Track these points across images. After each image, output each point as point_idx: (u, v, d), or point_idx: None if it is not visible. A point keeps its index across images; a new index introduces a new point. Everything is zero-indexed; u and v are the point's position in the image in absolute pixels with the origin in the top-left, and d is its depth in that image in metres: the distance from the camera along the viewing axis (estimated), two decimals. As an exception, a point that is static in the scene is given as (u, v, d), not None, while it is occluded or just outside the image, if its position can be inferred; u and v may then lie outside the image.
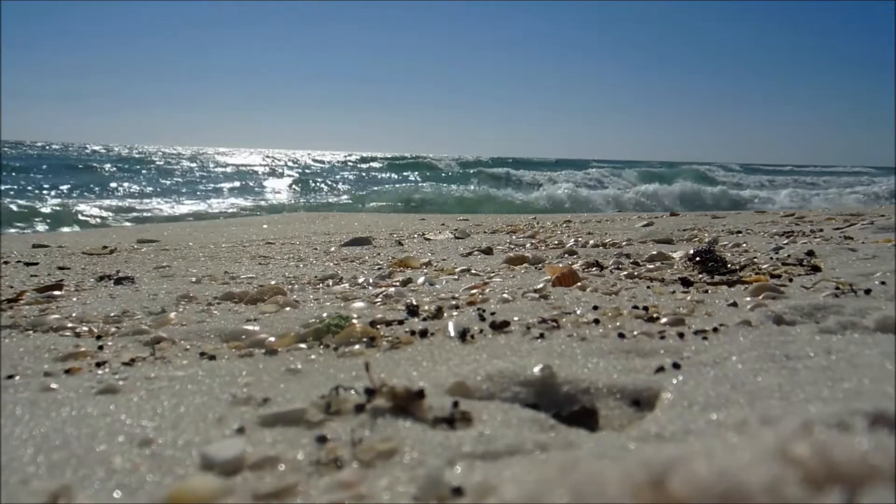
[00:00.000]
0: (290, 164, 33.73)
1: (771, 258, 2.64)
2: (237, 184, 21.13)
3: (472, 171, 27.75)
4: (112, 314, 1.96)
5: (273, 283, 2.50)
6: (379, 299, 2.06)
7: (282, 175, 25.02)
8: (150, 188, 18.45)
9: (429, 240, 4.22)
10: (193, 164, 29.55)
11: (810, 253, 2.67)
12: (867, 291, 1.84)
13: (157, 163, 29.84)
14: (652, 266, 2.57)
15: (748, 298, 1.85)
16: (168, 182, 20.75)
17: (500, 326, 1.61)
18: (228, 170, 27.40)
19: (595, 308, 1.78)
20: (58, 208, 11.81)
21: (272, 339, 1.59)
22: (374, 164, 32.88)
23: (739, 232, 3.93)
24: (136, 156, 34.62)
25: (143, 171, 24.25)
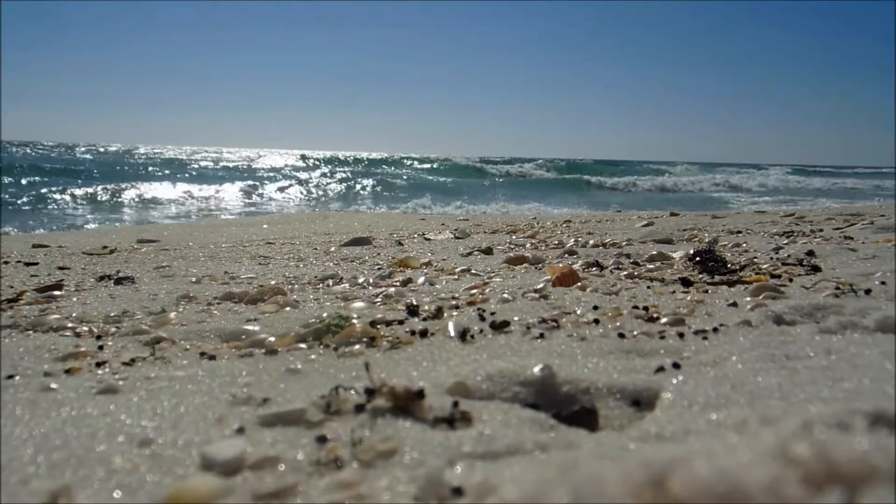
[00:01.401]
0: (322, 161, 32.97)
1: (771, 258, 2.64)
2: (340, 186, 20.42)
3: (571, 178, 24.36)
4: (112, 314, 1.96)
5: (273, 283, 2.50)
6: (379, 299, 2.06)
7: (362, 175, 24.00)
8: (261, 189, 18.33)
9: (429, 240, 4.22)
10: (249, 164, 29.28)
11: (810, 253, 2.67)
12: (867, 291, 1.84)
13: (204, 163, 29.54)
14: (652, 266, 2.57)
15: (748, 298, 1.85)
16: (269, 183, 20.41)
17: (500, 326, 1.61)
18: (305, 173, 26.49)
19: (595, 308, 1.78)
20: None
21: (272, 339, 1.60)
22: (419, 166, 31.69)
23: (739, 232, 3.93)
24: (174, 156, 34.37)
25: (213, 173, 23.92)
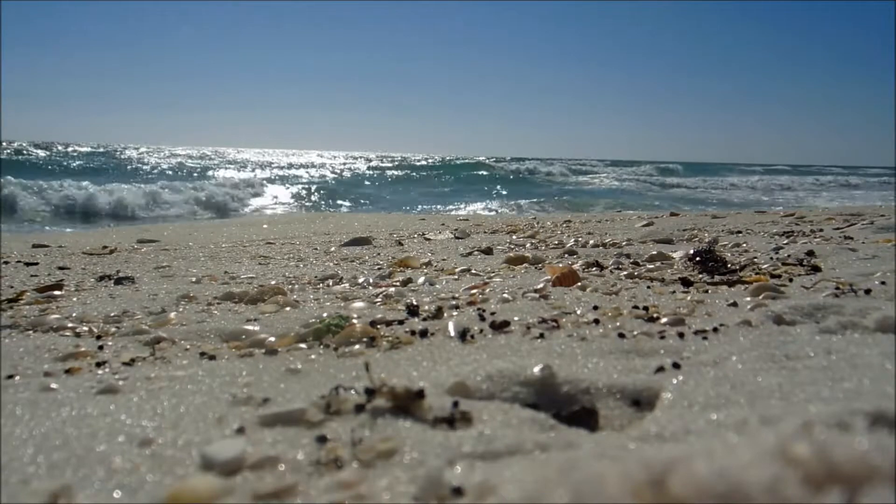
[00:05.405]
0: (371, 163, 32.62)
1: (771, 258, 2.64)
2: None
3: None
4: (112, 314, 1.96)
5: (273, 283, 2.50)
6: (379, 299, 2.06)
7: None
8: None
9: (429, 240, 4.22)
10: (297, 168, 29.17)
11: (810, 253, 2.67)
12: (867, 291, 1.84)
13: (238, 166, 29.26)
14: (652, 266, 2.57)
15: (748, 298, 1.85)
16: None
17: (500, 326, 1.61)
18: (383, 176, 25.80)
19: (595, 308, 1.78)
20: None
21: (272, 339, 1.59)
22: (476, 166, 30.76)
23: (739, 232, 3.93)
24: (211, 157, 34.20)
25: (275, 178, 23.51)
